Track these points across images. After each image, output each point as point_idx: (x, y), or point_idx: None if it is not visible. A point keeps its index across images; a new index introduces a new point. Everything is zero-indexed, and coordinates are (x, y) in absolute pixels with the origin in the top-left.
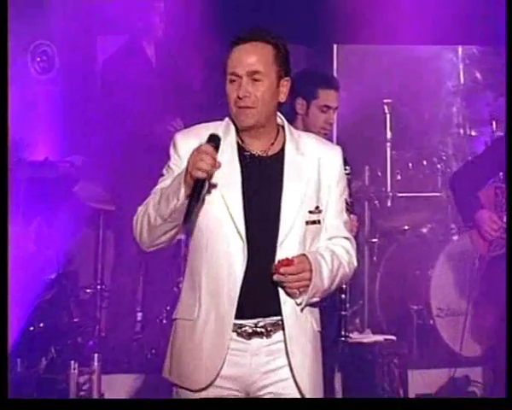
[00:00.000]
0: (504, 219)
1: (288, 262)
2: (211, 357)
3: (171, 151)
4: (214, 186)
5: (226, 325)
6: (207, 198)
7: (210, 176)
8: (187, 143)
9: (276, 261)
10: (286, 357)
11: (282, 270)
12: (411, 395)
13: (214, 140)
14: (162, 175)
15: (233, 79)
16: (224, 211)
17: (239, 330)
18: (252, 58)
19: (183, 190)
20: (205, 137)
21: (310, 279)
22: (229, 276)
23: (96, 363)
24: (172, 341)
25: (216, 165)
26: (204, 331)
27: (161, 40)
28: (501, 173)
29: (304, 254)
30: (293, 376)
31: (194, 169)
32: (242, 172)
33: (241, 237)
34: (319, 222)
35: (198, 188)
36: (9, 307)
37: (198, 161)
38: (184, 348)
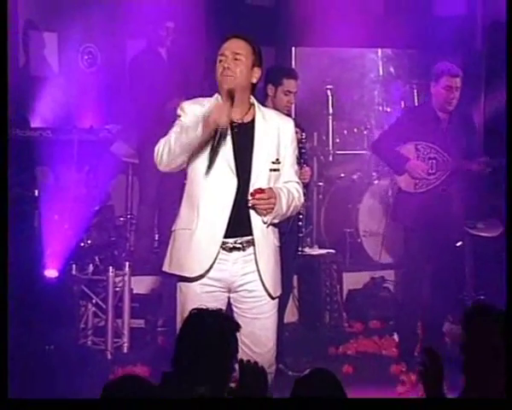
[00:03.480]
0: (428, 166)
1: (261, 191)
2: (204, 253)
3: (180, 112)
4: (224, 137)
5: (217, 235)
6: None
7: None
8: (190, 106)
9: (253, 190)
10: (255, 264)
11: (257, 196)
12: (345, 290)
13: (232, 97)
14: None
15: (221, 59)
16: (220, 153)
17: (223, 246)
18: (236, 45)
19: (200, 127)
20: (202, 104)
21: (274, 204)
22: (222, 201)
23: (126, 268)
24: (172, 243)
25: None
26: (200, 237)
27: (171, 44)
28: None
29: (271, 188)
30: (260, 277)
31: (219, 121)
32: (229, 130)
33: (233, 173)
34: (278, 170)
35: (217, 134)
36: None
37: (222, 115)
38: (183, 247)
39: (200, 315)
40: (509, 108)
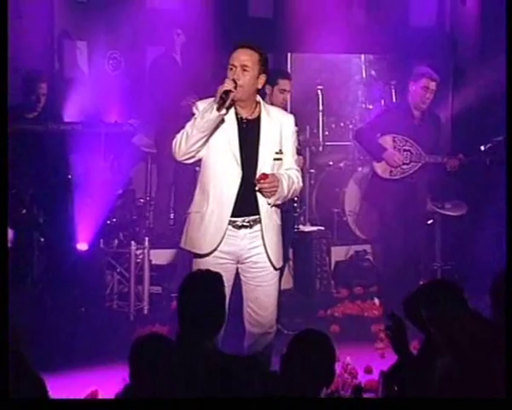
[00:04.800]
0: (403, 156)
1: (265, 176)
2: (213, 233)
3: (194, 110)
4: (230, 106)
5: (225, 216)
6: (217, 140)
7: (230, 98)
8: (203, 104)
9: (258, 176)
10: (262, 239)
11: (261, 181)
12: (333, 261)
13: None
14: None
15: (231, 68)
16: (227, 147)
17: (233, 224)
18: (244, 57)
19: (215, 106)
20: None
21: (277, 187)
22: (229, 187)
23: (146, 243)
24: (187, 224)
25: (235, 87)
26: (210, 219)
27: (184, 50)
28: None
29: (273, 174)
30: (266, 250)
31: (225, 84)
32: (238, 126)
33: (237, 164)
34: (281, 159)
35: (225, 96)
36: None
37: (227, 82)
38: (195, 227)
39: (190, 278)
40: (508, 108)
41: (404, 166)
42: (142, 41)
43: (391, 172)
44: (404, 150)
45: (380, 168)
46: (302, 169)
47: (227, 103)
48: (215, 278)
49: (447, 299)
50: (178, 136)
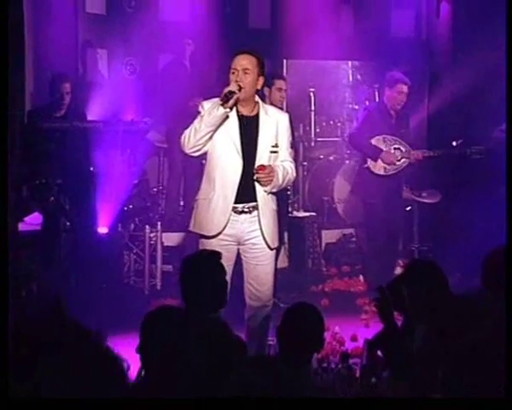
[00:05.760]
0: (395, 154)
1: (263, 167)
2: (219, 217)
3: (200, 109)
4: (234, 105)
5: (229, 201)
6: (221, 135)
7: (234, 98)
8: (208, 104)
9: (256, 167)
10: (259, 224)
11: (260, 171)
12: (323, 243)
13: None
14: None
15: (233, 72)
16: (230, 141)
17: (234, 210)
18: (245, 61)
19: (221, 106)
20: (218, 102)
21: (273, 177)
22: (232, 176)
23: (159, 227)
24: (195, 209)
25: (241, 88)
26: (216, 205)
27: (193, 57)
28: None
29: (270, 165)
30: (262, 233)
31: (230, 86)
32: (239, 123)
33: (239, 155)
34: (277, 152)
35: (229, 96)
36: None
37: (232, 84)
38: (203, 212)
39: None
40: (508, 107)
41: (398, 163)
42: (154, 49)
43: (385, 169)
44: (395, 149)
45: (375, 167)
46: (296, 162)
47: (231, 102)
48: (217, 257)
49: (426, 279)
50: (187, 131)
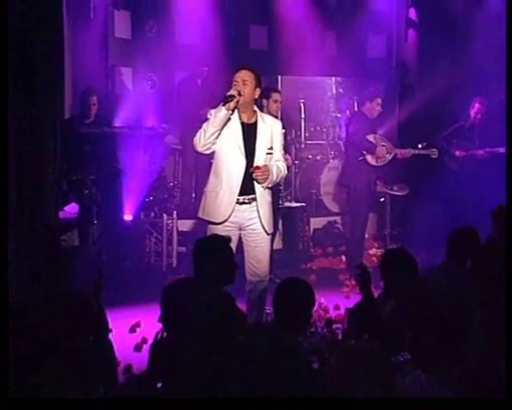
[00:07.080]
0: (384, 149)
1: (258, 168)
2: (225, 207)
3: (208, 115)
4: (234, 109)
5: (234, 194)
6: (227, 138)
7: (234, 101)
8: (215, 110)
9: (253, 167)
10: (257, 212)
11: (256, 170)
12: (311, 228)
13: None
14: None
15: (235, 83)
16: (234, 143)
17: (236, 201)
18: (244, 74)
19: (224, 107)
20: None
21: (268, 175)
22: (237, 172)
23: (174, 215)
24: (204, 199)
25: (240, 94)
26: (223, 196)
27: (204, 75)
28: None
29: (265, 165)
30: (260, 220)
31: (231, 91)
32: (241, 128)
33: (242, 155)
34: (271, 153)
35: (230, 99)
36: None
37: (232, 90)
38: (211, 202)
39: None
40: (508, 107)
41: (386, 156)
42: (172, 67)
43: (377, 160)
44: (382, 145)
45: (371, 159)
46: (290, 165)
47: (231, 105)
48: (225, 239)
49: (398, 264)
50: (198, 133)
